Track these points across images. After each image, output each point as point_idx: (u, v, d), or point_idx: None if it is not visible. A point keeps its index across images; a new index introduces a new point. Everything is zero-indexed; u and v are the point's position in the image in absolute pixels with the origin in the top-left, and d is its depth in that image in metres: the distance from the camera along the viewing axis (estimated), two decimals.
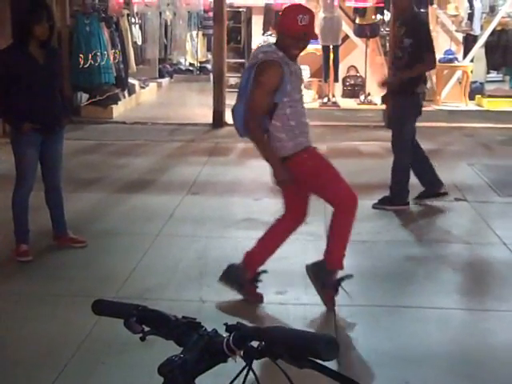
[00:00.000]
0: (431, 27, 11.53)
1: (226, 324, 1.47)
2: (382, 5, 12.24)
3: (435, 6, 12.24)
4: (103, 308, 1.68)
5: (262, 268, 4.47)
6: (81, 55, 10.84)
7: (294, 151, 4.22)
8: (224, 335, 1.45)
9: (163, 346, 1.58)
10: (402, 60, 6.22)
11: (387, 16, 11.98)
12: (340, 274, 4.38)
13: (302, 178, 4.31)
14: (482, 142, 9.56)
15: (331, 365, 1.36)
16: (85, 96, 11.46)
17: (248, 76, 4.19)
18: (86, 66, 10.88)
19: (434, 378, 3.69)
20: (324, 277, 4.36)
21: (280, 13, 4.59)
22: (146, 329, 1.58)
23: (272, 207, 6.50)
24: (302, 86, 4.42)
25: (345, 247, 4.35)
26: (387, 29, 11.74)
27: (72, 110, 9.90)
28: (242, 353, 1.42)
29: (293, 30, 4.07)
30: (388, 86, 6.55)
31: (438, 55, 11.76)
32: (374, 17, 12.24)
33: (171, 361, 1.40)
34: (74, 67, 10.81)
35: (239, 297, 4.54)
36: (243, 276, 4.43)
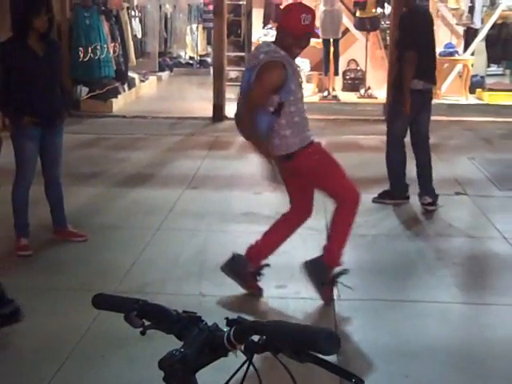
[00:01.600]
0: None
1: (226, 318, 1.47)
2: None
3: None
4: (104, 302, 1.67)
5: (264, 262, 4.48)
6: (80, 48, 10.82)
7: (300, 146, 4.22)
8: (224, 329, 1.45)
9: (163, 340, 1.58)
10: (401, 56, 6.16)
11: (387, 9, 11.96)
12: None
13: (308, 172, 4.31)
14: (482, 136, 9.55)
15: (331, 359, 1.35)
16: (84, 89, 11.44)
17: (249, 78, 4.15)
18: (85, 60, 10.86)
19: (433, 372, 3.69)
20: (322, 274, 4.38)
21: (281, 11, 4.55)
22: (147, 323, 1.58)
23: (272, 201, 6.50)
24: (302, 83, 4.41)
25: (344, 244, 4.38)
26: (387, 22, 11.72)
27: (72, 103, 9.90)
28: (242, 347, 1.41)
29: (296, 29, 4.04)
30: (393, 85, 6.44)
31: (439, 49, 11.76)
32: (374, 10, 12.21)
33: (171, 355, 1.40)
34: (74, 60, 10.79)
35: (239, 291, 4.54)
36: (245, 268, 4.44)
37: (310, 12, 4.10)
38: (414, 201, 6.61)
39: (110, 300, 1.68)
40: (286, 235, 4.52)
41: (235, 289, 4.58)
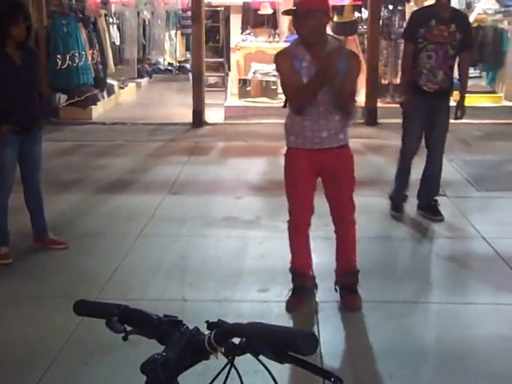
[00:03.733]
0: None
1: (207, 321, 1.48)
2: (359, 3, 12.30)
3: (412, 3, 12.30)
4: (85, 308, 1.68)
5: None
6: (58, 56, 10.78)
7: (288, 144, 4.29)
8: (206, 333, 1.46)
9: (146, 346, 1.59)
10: (453, 58, 5.93)
11: (365, 14, 12.03)
12: None
13: None
14: (460, 138, 9.62)
15: (314, 360, 1.37)
16: (63, 97, 11.40)
17: None
18: (63, 67, 10.82)
19: (416, 372, 3.72)
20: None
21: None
22: (128, 328, 1.59)
23: (253, 205, 6.53)
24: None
25: (293, 252, 4.47)
26: (365, 27, 11.79)
27: (50, 110, 9.85)
28: (223, 350, 1.43)
29: (291, 10, 4.11)
30: (441, 90, 5.93)
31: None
32: (351, 15, 12.28)
33: (153, 359, 1.41)
34: (52, 68, 10.74)
35: (221, 296, 4.56)
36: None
37: None
38: (385, 202, 6.66)
39: (92, 306, 1.69)
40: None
41: (217, 293, 4.61)
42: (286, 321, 4.24)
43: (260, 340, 1.39)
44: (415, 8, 12.32)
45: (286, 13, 4.21)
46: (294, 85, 4.05)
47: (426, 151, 6.25)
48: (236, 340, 1.42)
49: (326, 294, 4.60)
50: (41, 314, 4.36)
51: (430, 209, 6.28)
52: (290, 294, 4.43)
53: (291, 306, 4.38)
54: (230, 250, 5.45)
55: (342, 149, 4.30)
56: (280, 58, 4.12)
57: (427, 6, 6.19)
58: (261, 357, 1.40)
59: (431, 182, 6.33)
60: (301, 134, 4.19)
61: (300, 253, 4.47)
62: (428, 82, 5.87)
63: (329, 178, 4.34)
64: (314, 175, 4.32)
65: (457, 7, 12.54)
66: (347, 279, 4.47)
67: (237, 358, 1.43)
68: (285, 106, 4.28)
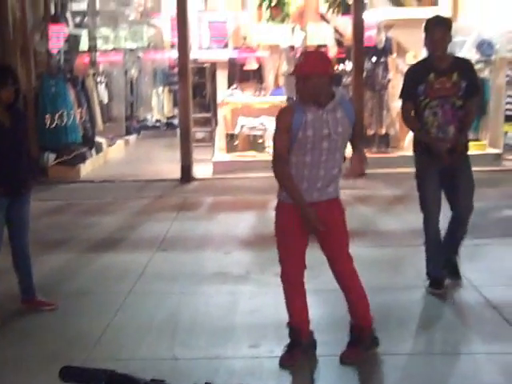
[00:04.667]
0: (391, 76, 11.91)
1: None
2: (343, 55, 12.51)
3: (395, 55, 12.53)
4: (71, 375, 1.67)
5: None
6: (47, 116, 10.87)
7: (279, 198, 4.30)
8: None
9: None
10: (461, 109, 5.37)
11: (349, 66, 12.22)
12: None
13: None
14: None
15: None
16: (52, 156, 11.44)
17: None
18: (52, 127, 10.90)
19: None
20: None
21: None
22: None
23: (242, 260, 6.52)
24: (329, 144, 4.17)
25: (288, 306, 4.42)
26: (349, 79, 11.96)
27: (38, 171, 9.89)
28: None
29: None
30: (455, 148, 5.38)
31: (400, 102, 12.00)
32: (336, 67, 12.48)
33: None
34: (41, 128, 10.82)
35: (212, 353, 4.52)
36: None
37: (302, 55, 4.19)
38: (380, 252, 6.66)
39: (77, 372, 1.67)
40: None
41: (208, 351, 4.56)
42: (277, 377, 4.19)
43: None
44: (398, 60, 12.60)
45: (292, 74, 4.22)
46: (283, 145, 4.13)
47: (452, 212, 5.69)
48: None
49: (322, 348, 4.54)
50: (29, 378, 4.26)
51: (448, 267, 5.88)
52: (285, 349, 4.39)
53: (283, 361, 4.32)
54: (220, 305, 5.42)
55: (332, 202, 4.31)
56: (281, 113, 4.19)
57: (423, 60, 5.78)
58: None
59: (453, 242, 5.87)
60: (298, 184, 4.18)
61: (295, 308, 4.41)
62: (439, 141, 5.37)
63: (321, 233, 4.27)
64: (306, 231, 4.28)
65: None
66: (363, 334, 4.44)
67: None
68: None
